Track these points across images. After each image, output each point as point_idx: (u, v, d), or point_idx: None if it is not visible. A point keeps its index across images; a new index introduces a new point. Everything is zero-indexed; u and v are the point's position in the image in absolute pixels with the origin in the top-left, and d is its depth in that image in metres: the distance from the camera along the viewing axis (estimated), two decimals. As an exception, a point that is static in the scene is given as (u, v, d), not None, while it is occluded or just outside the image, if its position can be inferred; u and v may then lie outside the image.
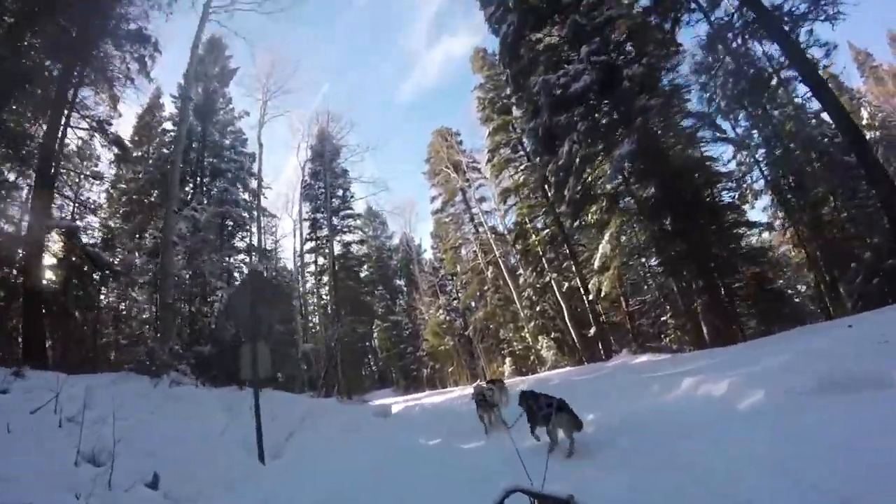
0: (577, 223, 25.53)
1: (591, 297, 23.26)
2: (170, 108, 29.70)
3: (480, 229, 39.31)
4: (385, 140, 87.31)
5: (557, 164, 17.70)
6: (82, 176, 26.63)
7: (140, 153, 28.54)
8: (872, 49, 37.53)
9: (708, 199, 16.90)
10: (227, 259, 19.32)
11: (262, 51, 37.71)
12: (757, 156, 25.45)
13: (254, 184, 30.70)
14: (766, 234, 25.65)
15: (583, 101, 16.89)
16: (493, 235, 37.08)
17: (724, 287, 16.58)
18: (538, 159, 20.50)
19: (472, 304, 42.52)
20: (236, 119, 31.63)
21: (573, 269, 28.13)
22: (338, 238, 32.46)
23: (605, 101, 17.09)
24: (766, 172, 25.05)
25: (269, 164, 78.20)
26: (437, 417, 15.25)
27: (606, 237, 19.98)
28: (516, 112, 29.99)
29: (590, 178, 18.61)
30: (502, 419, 9.08)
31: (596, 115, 17.25)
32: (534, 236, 30.22)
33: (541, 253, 30.18)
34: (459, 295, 44.33)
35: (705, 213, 16.38)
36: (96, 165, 28.30)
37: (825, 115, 21.28)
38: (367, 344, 53.49)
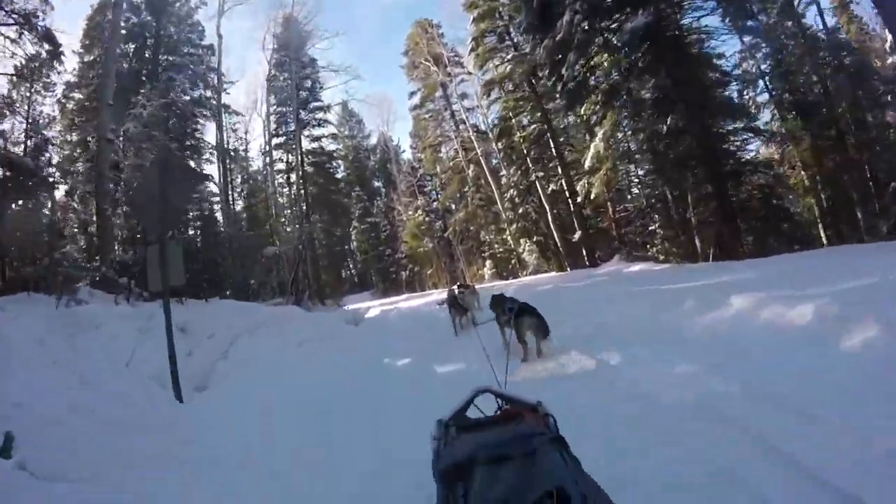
0: (570, 116, 23.76)
1: (578, 200, 21.76)
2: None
3: (462, 127, 37.01)
4: (356, 27, 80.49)
5: (554, 39, 15.33)
6: (32, 90, 24.60)
7: (92, 57, 25.51)
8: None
9: (718, 99, 14.96)
10: (175, 156, 17.11)
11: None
12: (763, 66, 23.34)
13: (214, 80, 27.88)
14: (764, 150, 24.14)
15: (587, -33, 14.43)
16: (475, 133, 34.93)
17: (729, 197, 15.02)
18: (530, 37, 17.92)
19: (452, 205, 41.03)
20: (193, 11, 28.17)
21: (559, 170, 26.61)
22: (307, 133, 29.96)
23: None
24: (770, 86, 23.05)
25: (236, 62, 72.54)
26: (413, 323, 14.55)
27: (600, 135, 18.34)
28: (504, -5, 27.21)
29: (586, 68, 16.46)
30: (473, 321, 9.50)
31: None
32: (518, 133, 28.16)
33: (525, 152, 28.34)
34: (439, 195, 42.69)
35: (715, 114, 14.55)
36: (47, 77, 26.10)
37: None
38: (346, 247, 52.39)
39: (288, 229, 26.05)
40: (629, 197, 28.51)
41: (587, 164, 19.19)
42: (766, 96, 22.31)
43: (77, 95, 24.93)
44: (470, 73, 35.02)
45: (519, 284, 17.22)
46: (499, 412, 1.96)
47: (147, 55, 24.91)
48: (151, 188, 6.17)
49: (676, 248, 22.33)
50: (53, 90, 26.25)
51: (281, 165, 30.41)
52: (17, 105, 25.34)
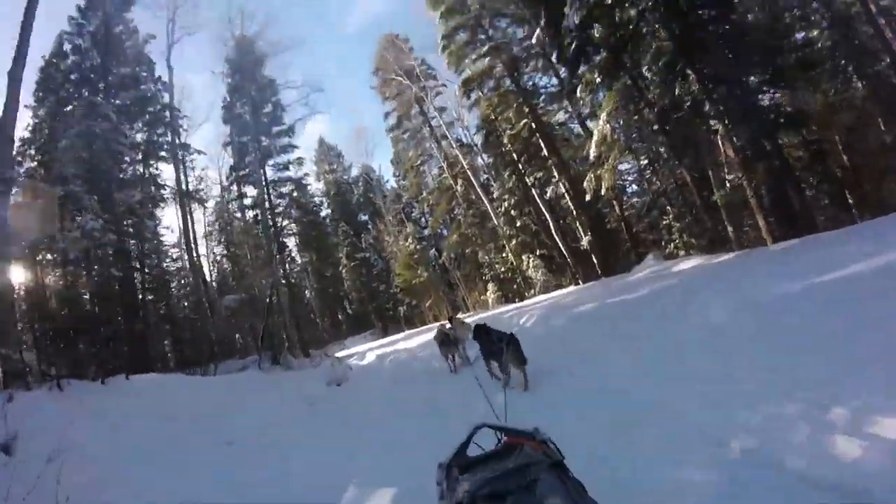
0: (560, 113, 21.17)
1: (587, 199, 18.60)
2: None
3: (444, 143, 34.19)
4: (307, 37, 77.08)
5: None
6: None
7: (44, 110, 22.73)
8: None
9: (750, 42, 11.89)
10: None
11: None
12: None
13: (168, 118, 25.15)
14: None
15: None
16: (459, 146, 32.12)
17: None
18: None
19: (444, 230, 38.53)
20: (142, 46, 25.69)
21: (555, 171, 23.72)
22: (272, 162, 26.69)
23: None
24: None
25: (204, 105, 70.03)
26: (409, 373, 12.24)
27: (603, 116, 15.44)
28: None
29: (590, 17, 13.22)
30: (466, 356, 9.80)
31: None
32: (507, 132, 25.20)
33: (516, 156, 25.41)
34: (428, 220, 39.87)
35: (752, 59, 11.48)
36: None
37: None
38: (341, 288, 49.39)
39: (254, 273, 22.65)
40: (628, 191, 25.93)
41: (592, 153, 16.17)
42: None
43: (31, 152, 22.30)
44: (444, 86, 32.76)
45: (542, 308, 13.64)
46: (499, 445, 1.91)
47: (99, 99, 22.18)
48: None
49: (694, 241, 19.59)
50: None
51: (248, 202, 27.06)
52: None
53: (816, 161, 13.52)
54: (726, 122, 12.36)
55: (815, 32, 19.55)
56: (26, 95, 23.09)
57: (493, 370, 7.27)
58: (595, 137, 15.91)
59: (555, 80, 23.89)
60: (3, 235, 10.79)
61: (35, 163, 17.81)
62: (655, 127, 16.82)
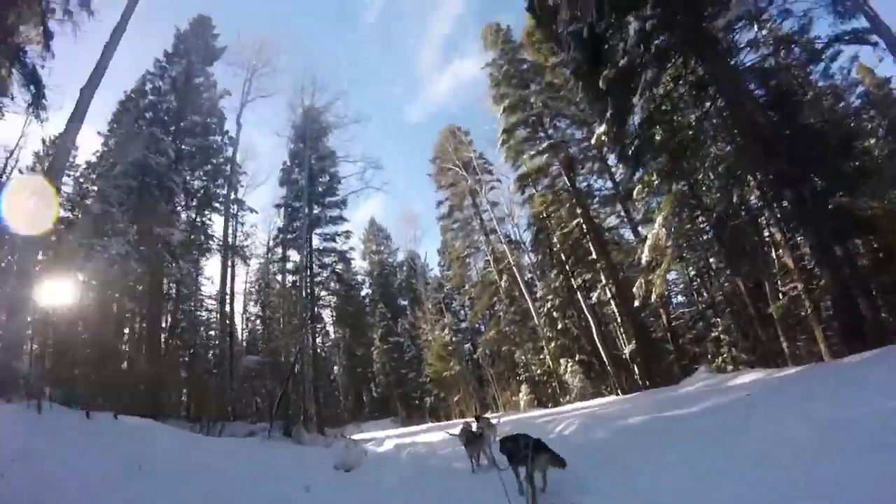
0: (612, 217, 20.78)
1: (634, 305, 17.72)
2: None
3: (492, 237, 34.24)
4: (370, 117, 79.20)
5: (618, 66, 11.68)
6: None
7: (115, 139, 24.07)
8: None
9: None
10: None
11: (251, 29, 32.43)
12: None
13: (228, 171, 26.04)
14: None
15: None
16: (508, 242, 32.00)
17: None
18: (578, 71, 14.11)
19: (482, 326, 38.07)
20: (218, 99, 27.35)
21: (602, 276, 23.08)
22: (320, 231, 27.05)
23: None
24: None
25: (267, 166, 72.90)
26: (429, 473, 10.89)
27: (660, 220, 14.96)
28: (534, 87, 25.54)
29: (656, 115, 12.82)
30: (492, 457, 8.81)
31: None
32: (558, 231, 24.92)
33: (564, 257, 24.93)
34: (467, 313, 39.18)
35: (827, 144, 10.83)
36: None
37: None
38: (369, 369, 48.38)
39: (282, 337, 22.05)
40: (674, 303, 24.89)
41: (644, 257, 15.56)
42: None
43: (93, 176, 23.20)
44: (499, 181, 33.19)
45: (580, 416, 12.12)
46: None
47: (169, 140, 23.34)
48: None
49: (747, 355, 18.21)
50: (77, 169, 24.69)
51: (291, 266, 27.01)
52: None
53: (879, 270, 12.52)
54: (786, 229, 11.73)
55: (872, 141, 19.17)
56: (101, 123, 24.76)
57: (521, 478, 6.36)
58: (649, 241, 15.40)
59: (609, 184, 24.13)
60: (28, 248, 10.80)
61: (95, 187, 18.40)
62: (710, 235, 16.41)
